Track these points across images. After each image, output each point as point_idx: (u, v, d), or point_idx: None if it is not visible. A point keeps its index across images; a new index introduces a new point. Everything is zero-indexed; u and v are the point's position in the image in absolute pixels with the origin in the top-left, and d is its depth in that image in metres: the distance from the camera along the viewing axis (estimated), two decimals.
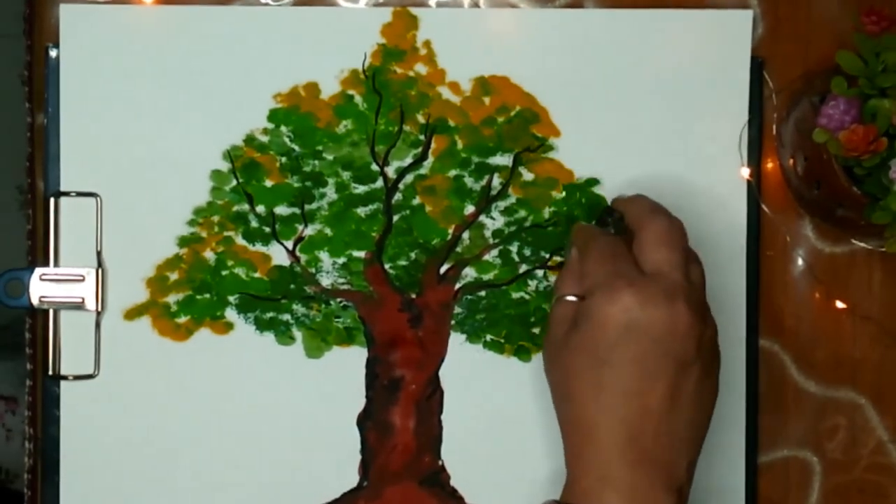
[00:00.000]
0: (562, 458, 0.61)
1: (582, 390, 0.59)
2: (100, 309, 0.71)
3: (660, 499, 0.58)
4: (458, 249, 0.72)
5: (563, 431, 0.61)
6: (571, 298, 0.62)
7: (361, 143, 0.72)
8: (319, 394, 0.72)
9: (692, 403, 0.59)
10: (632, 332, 0.58)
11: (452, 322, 0.72)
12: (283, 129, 0.72)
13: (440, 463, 0.72)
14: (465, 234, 0.72)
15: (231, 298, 0.72)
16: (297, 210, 0.72)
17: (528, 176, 0.72)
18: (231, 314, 0.72)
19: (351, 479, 0.72)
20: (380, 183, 0.72)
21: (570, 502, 0.59)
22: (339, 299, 0.72)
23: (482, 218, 0.72)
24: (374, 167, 0.72)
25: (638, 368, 0.58)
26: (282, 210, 0.72)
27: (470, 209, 0.72)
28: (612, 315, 0.58)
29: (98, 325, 0.71)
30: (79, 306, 0.71)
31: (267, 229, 0.72)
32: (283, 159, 0.72)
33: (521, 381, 0.72)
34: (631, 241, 0.62)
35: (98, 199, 0.71)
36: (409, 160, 0.72)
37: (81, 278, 0.71)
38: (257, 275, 0.72)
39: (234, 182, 0.72)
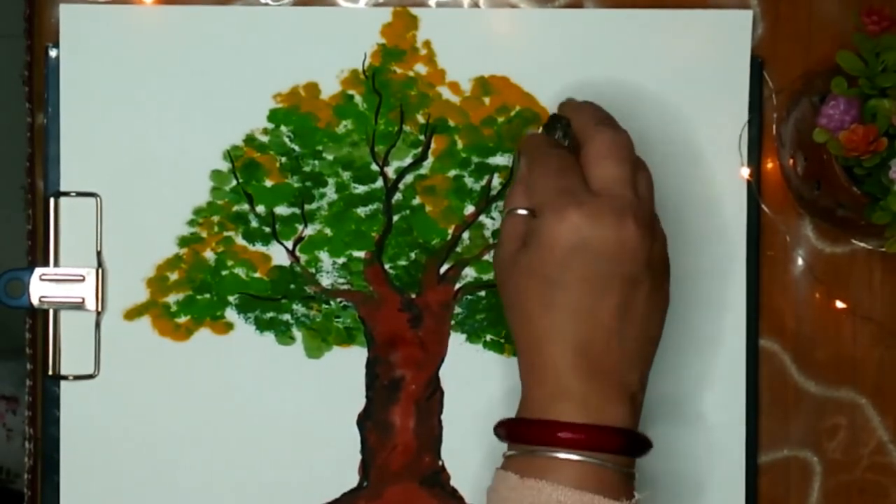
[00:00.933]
0: None
1: (533, 309, 0.59)
2: (100, 309, 0.71)
3: (612, 407, 0.58)
4: (458, 249, 0.72)
5: (517, 348, 0.61)
6: (522, 212, 0.62)
7: (361, 143, 0.72)
8: (319, 394, 0.72)
9: (642, 317, 0.59)
10: (580, 252, 0.58)
11: (452, 322, 0.72)
12: (283, 129, 0.72)
13: (440, 463, 0.72)
14: (465, 234, 0.72)
15: (231, 298, 0.72)
16: (297, 210, 0.72)
17: None
18: (231, 314, 0.72)
19: (351, 480, 0.72)
20: (380, 183, 0.72)
21: (525, 417, 0.59)
22: (339, 299, 0.72)
23: (482, 218, 0.72)
24: (374, 167, 0.72)
25: (588, 286, 0.58)
26: (282, 210, 0.72)
27: (470, 209, 0.72)
28: (560, 235, 0.58)
29: (98, 325, 0.71)
30: (79, 306, 0.71)
31: (267, 229, 0.72)
32: (283, 159, 0.72)
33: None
34: (578, 150, 0.62)
35: (98, 199, 0.71)
36: (409, 160, 0.72)
37: (81, 278, 0.71)
38: (257, 275, 0.72)
39: (234, 182, 0.72)
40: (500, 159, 0.72)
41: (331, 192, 0.72)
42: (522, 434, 0.59)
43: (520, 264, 0.60)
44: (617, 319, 0.58)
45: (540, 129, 0.65)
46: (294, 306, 0.72)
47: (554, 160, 0.61)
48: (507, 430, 0.60)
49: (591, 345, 0.58)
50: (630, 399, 0.59)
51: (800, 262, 0.73)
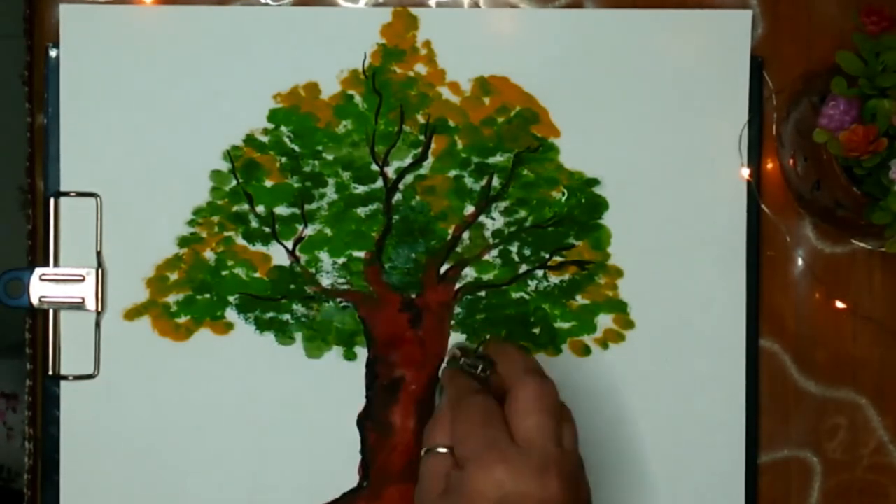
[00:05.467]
0: None
1: None
2: (100, 309, 0.71)
3: None
4: (458, 249, 0.72)
5: None
6: (443, 450, 0.60)
7: (361, 144, 0.72)
8: (319, 394, 0.72)
9: None
10: None
11: (452, 322, 0.72)
12: (283, 129, 0.72)
13: None
14: (465, 235, 0.72)
15: (231, 298, 0.72)
16: (297, 210, 0.72)
17: (528, 176, 0.72)
18: (231, 314, 0.72)
19: (351, 480, 0.72)
20: (380, 183, 0.72)
21: None
22: (339, 299, 0.72)
23: (482, 218, 0.72)
24: (374, 167, 0.72)
25: None
26: (282, 210, 0.72)
27: (470, 209, 0.72)
28: (484, 490, 0.57)
29: (98, 325, 0.71)
30: (79, 306, 0.71)
31: (267, 229, 0.72)
32: (283, 159, 0.72)
33: None
34: (499, 390, 0.61)
35: (98, 199, 0.71)
36: (408, 160, 0.72)
37: (81, 278, 0.71)
38: (257, 275, 0.72)
39: (234, 182, 0.72)
40: (500, 159, 0.72)
41: (331, 193, 0.72)
42: None
43: None
44: None
45: (461, 360, 0.63)
46: (294, 306, 0.72)
47: (478, 407, 0.60)
48: None
49: None
50: None
51: (800, 262, 0.73)
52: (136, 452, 0.71)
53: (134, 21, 0.71)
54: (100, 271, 0.71)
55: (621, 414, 0.72)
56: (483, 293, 0.72)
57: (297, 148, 0.72)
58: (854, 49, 0.65)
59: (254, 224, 0.72)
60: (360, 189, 0.72)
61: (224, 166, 0.72)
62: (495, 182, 0.72)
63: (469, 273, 0.72)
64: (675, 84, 0.72)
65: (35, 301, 0.71)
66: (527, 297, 0.72)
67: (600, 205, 0.72)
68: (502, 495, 0.57)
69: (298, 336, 0.72)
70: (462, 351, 0.65)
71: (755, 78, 0.72)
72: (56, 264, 0.71)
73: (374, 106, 0.72)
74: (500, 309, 0.72)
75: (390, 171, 0.72)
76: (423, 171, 0.72)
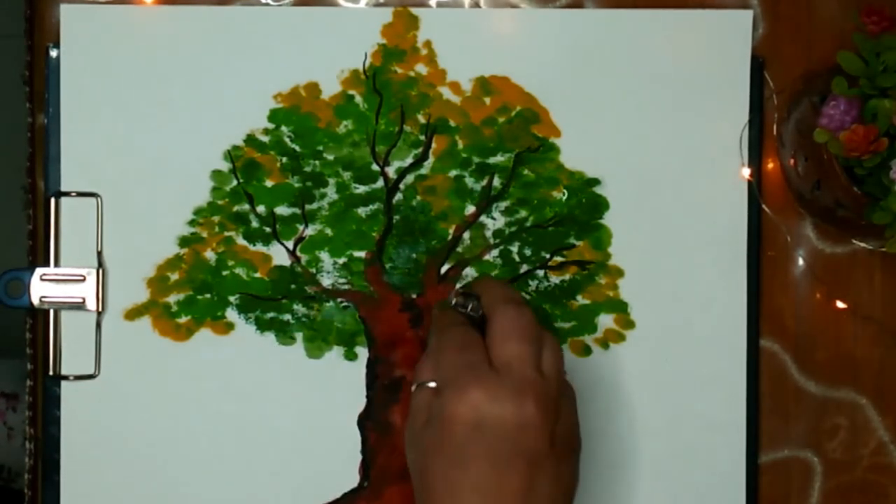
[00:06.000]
0: None
1: (436, 487, 0.58)
2: (100, 309, 0.71)
3: None
4: (459, 249, 0.72)
5: None
6: (431, 385, 0.60)
7: (362, 144, 0.72)
8: (320, 394, 0.72)
9: (548, 495, 0.57)
10: (481, 430, 0.57)
11: None
12: (284, 129, 0.72)
13: None
14: (466, 235, 0.72)
15: (231, 298, 0.72)
16: (297, 210, 0.72)
17: (528, 176, 0.72)
18: (231, 314, 0.72)
19: (351, 480, 0.72)
20: (380, 183, 0.72)
21: None
22: (339, 299, 0.72)
23: (483, 218, 0.72)
24: (375, 167, 0.72)
25: (488, 466, 0.56)
26: (282, 210, 0.72)
27: (470, 209, 0.72)
28: (460, 412, 0.57)
29: (98, 325, 0.71)
30: (79, 306, 0.71)
31: (267, 229, 0.72)
32: (284, 159, 0.72)
33: None
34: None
35: (98, 199, 0.71)
36: (409, 160, 0.72)
37: (82, 278, 0.71)
38: (258, 275, 0.72)
39: (235, 182, 0.72)
40: (501, 159, 0.72)
41: (331, 193, 0.72)
42: None
43: (424, 441, 0.59)
44: (521, 498, 0.56)
45: (453, 302, 0.63)
46: (294, 306, 0.72)
47: (458, 336, 0.60)
48: None
49: None
50: None
51: (800, 262, 0.73)
52: (137, 452, 0.71)
53: (134, 21, 0.71)
54: (100, 271, 0.71)
55: (621, 414, 0.72)
56: None
57: (297, 148, 0.72)
58: (854, 49, 0.65)
59: (254, 224, 0.72)
60: (361, 189, 0.72)
61: (224, 166, 0.72)
62: (496, 182, 0.72)
63: (470, 273, 0.72)
64: (675, 84, 0.72)
65: (35, 301, 0.71)
66: (527, 296, 0.72)
67: (601, 205, 0.72)
68: (478, 417, 0.56)
69: (299, 336, 0.72)
70: (457, 294, 0.64)
71: (756, 78, 0.72)
72: (56, 264, 0.71)
73: (374, 106, 0.72)
74: None
75: (391, 171, 0.72)
76: (423, 171, 0.72)
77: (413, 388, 0.61)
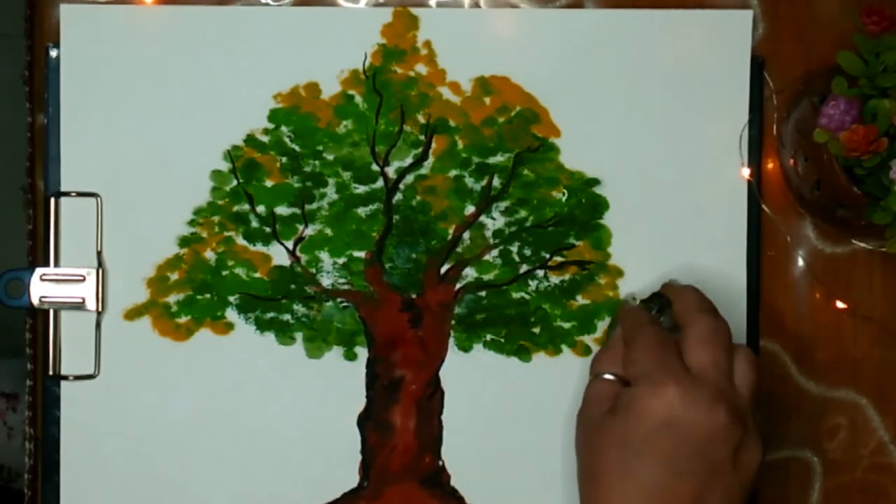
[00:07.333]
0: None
1: (609, 474, 0.59)
2: (100, 309, 0.71)
3: None
4: (459, 249, 0.72)
5: None
6: (610, 377, 0.62)
7: (362, 144, 0.72)
8: (319, 394, 0.72)
9: None
10: (669, 429, 0.58)
11: (453, 322, 0.72)
12: (284, 129, 0.72)
13: (440, 463, 0.72)
14: (466, 235, 0.72)
15: (231, 298, 0.72)
16: (297, 210, 0.72)
17: (528, 176, 0.72)
18: (231, 314, 0.72)
19: (351, 480, 0.72)
20: (380, 183, 0.72)
21: None
22: (339, 299, 0.72)
23: (483, 218, 0.72)
24: (375, 167, 0.72)
25: (669, 465, 0.58)
26: (282, 210, 0.72)
27: (470, 209, 0.72)
28: (653, 408, 0.58)
29: (98, 325, 0.71)
30: (79, 306, 0.71)
31: (267, 229, 0.72)
32: (284, 159, 0.72)
33: (522, 381, 0.72)
34: (674, 333, 0.63)
35: (98, 199, 0.71)
36: (409, 160, 0.72)
37: (82, 278, 0.71)
38: (258, 275, 0.72)
39: (235, 182, 0.72)
40: (501, 159, 0.72)
41: (331, 193, 0.72)
42: None
43: (605, 428, 0.60)
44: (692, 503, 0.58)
45: (637, 302, 0.67)
46: (294, 306, 0.72)
47: (653, 334, 0.62)
48: None
49: None
50: None
51: (800, 262, 0.73)
52: (136, 452, 0.71)
53: (134, 21, 0.71)
54: (100, 271, 0.71)
55: None
56: (483, 293, 0.72)
57: (297, 148, 0.72)
58: (854, 49, 0.65)
59: (254, 224, 0.72)
60: (361, 189, 0.72)
61: (224, 166, 0.72)
62: (496, 182, 0.72)
63: (469, 273, 0.72)
64: (675, 84, 0.72)
65: (35, 301, 0.71)
66: (527, 297, 0.72)
67: (600, 205, 0.72)
68: (671, 416, 0.58)
69: (299, 336, 0.72)
70: (636, 298, 0.68)
71: (755, 78, 0.72)
72: (56, 264, 0.71)
73: (374, 106, 0.72)
74: (501, 309, 0.72)
75: (391, 171, 0.72)
76: (423, 171, 0.72)
77: (591, 377, 0.63)
